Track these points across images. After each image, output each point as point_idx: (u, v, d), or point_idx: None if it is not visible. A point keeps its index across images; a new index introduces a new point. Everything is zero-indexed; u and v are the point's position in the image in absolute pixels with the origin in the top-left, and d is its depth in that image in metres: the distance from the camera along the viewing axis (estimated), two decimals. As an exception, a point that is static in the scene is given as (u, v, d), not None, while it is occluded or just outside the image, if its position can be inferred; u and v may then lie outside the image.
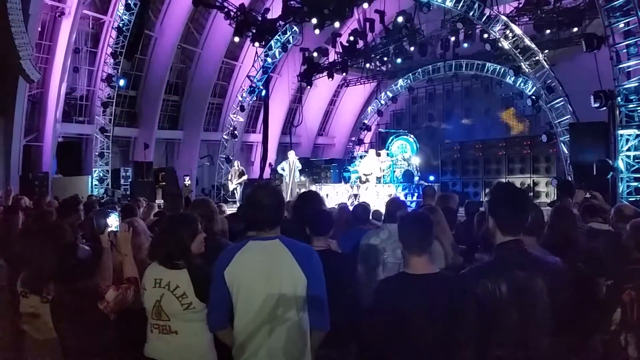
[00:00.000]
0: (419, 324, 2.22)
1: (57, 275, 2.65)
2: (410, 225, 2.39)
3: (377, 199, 12.45)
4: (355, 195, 12.98)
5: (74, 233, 3.69)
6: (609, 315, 2.81)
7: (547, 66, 12.96)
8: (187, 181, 17.44)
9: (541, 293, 2.13)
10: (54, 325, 2.61)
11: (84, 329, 2.50)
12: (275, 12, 17.25)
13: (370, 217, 5.06)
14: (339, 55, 19.33)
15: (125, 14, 15.06)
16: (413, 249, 2.34)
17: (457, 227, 5.25)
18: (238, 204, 14.40)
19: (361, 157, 15.14)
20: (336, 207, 6.39)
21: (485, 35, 15.35)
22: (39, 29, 14.35)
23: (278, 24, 17.36)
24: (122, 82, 16.23)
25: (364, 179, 13.54)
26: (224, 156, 19.13)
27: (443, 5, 13.85)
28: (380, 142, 20.77)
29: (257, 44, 17.68)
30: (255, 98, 19.50)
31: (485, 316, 2.13)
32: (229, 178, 16.25)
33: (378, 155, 14.04)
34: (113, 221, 2.91)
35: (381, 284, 2.63)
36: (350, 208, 5.39)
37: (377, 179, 13.83)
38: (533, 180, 15.02)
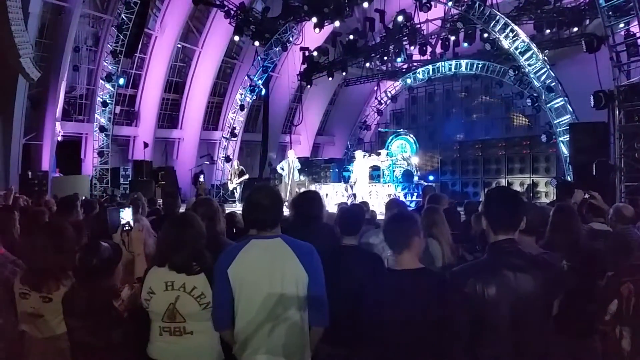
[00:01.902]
0: (392, 317, 2.22)
1: (76, 273, 2.65)
2: (387, 225, 2.51)
3: (376, 198, 12.48)
4: (354, 195, 12.99)
5: (85, 230, 3.70)
6: (606, 306, 2.84)
7: (547, 66, 12.96)
8: (202, 178, 17.42)
9: (533, 292, 2.12)
10: (65, 320, 2.61)
11: (97, 325, 2.51)
12: (275, 11, 17.25)
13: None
14: (338, 55, 19.32)
15: (125, 13, 15.05)
16: (393, 248, 2.43)
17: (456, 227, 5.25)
18: (238, 204, 14.44)
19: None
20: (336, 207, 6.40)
21: (486, 35, 15.34)
22: (39, 27, 14.34)
23: (278, 22, 17.36)
24: (121, 81, 16.20)
25: (353, 181, 13.68)
26: (224, 155, 19.14)
27: (443, 4, 13.86)
28: (379, 142, 20.77)
29: (257, 43, 17.67)
30: (255, 97, 19.50)
31: (475, 315, 2.14)
32: (229, 177, 16.25)
33: (364, 156, 14.14)
34: (127, 217, 2.89)
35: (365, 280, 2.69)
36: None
37: (375, 178, 13.86)
38: (533, 180, 15.03)
